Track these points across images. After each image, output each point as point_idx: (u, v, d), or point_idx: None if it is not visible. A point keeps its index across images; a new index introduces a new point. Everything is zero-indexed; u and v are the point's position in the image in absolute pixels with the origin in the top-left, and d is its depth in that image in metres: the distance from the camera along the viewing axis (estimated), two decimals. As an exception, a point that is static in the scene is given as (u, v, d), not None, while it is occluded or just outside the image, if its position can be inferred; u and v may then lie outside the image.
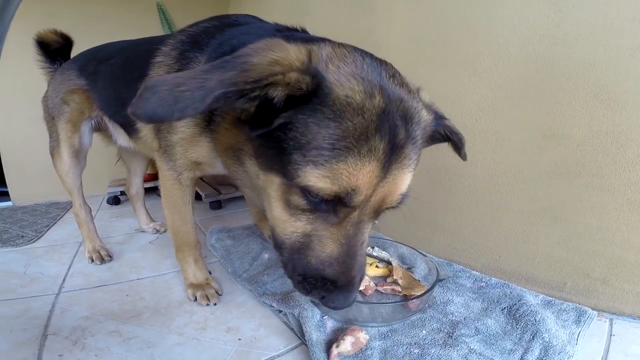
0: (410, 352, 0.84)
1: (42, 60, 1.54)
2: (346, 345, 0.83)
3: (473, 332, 0.91)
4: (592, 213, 1.01)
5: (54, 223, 2.00)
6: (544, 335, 0.86)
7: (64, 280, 1.30)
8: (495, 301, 1.04)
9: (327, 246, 0.67)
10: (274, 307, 1.06)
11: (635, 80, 0.89)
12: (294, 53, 0.60)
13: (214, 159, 0.95)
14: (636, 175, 0.93)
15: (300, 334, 0.95)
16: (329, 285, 0.67)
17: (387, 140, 0.60)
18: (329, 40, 0.73)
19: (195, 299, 1.13)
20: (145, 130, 1.09)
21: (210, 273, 1.24)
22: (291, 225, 0.69)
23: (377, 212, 0.68)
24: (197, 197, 2.24)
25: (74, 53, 1.56)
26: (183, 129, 0.94)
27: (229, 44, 0.85)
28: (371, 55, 0.68)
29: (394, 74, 0.67)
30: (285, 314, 1.02)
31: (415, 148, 0.66)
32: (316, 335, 0.89)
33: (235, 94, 0.53)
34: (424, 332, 0.92)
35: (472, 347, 0.85)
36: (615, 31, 0.90)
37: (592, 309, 0.99)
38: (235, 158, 0.76)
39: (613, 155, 0.95)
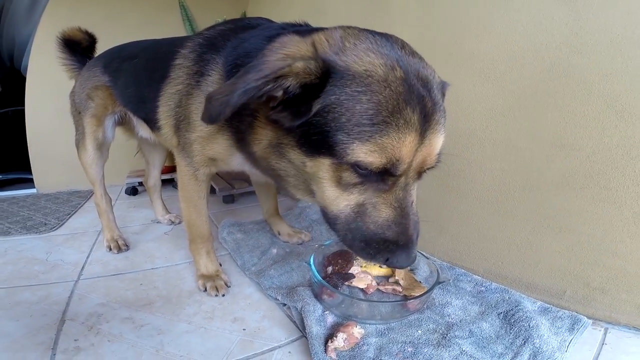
0: (404, 350, 0.88)
1: (64, 57, 1.60)
2: (339, 341, 0.87)
3: (467, 334, 0.93)
4: (596, 224, 1.01)
5: (75, 211, 2.09)
6: (535, 341, 0.87)
7: (82, 267, 1.37)
8: (493, 306, 1.05)
9: (382, 211, 0.73)
10: (278, 300, 1.11)
11: (652, 92, 0.88)
12: (303, 45, 0.68)
13: (229, 156, 1.00)
14: (645, 188, 0.92)
15: (301, 327, 0.99)
16: (391, 246, 0.73)
17: (418, 110, 0.66)
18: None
19: (205, 290, 1.18)
20: (167, 128, 1.14)
21: (220, 265, 1.29)
22: (344, 200, 0.74)
23: (420, 173, 0.75)
24: (211, 190, 2.30)
25: (101, 49, 1.63)
26: (201, 128, 0.99)
27: (242, 47, 0.91)
28: (378, 32, 0.74)
29: (404, 45, 0.73)
30: (289, 308, 1.07)
31: (442, 111, 0.72)
32: (316, 329, 0.93)
33: (254, 89, 0.62)
34: (419, 331, 0.95)
35: (463, 349, 0.87)
36: (636, 41, 0.89)
37: (589, 318, 0.99)
38: (277, 153, 0.80)
39: (623, 168, 0.94)
